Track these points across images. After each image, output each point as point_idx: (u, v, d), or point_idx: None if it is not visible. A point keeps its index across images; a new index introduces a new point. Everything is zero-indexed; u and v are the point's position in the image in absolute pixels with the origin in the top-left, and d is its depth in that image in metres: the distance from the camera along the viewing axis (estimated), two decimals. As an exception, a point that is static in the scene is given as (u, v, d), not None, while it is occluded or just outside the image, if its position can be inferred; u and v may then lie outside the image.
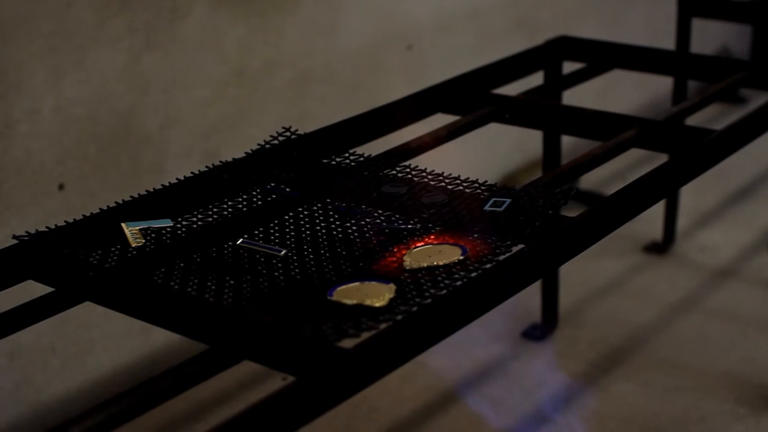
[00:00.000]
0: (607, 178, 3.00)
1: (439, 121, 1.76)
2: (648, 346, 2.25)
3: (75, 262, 1.23)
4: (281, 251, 1.28)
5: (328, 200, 1.39)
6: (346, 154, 1.51)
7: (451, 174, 1.42)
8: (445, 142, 1.69)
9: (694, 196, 2.83)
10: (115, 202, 1.36)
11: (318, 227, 1.34)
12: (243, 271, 1.23)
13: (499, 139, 2.76)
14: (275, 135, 1.56)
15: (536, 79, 2.12)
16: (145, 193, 1.39)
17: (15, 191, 1.83)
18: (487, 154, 2.85)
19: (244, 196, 1.42)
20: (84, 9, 1.86)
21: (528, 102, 1.85)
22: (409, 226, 1.30)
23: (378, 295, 1.13)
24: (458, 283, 1.16)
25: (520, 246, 1.24)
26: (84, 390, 2.01)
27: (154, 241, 1.30)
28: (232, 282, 1.20)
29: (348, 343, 1.05)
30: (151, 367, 2.07)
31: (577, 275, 2.47)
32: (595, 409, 2.03)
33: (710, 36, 3.72)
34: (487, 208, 1.32)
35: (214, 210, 1.39)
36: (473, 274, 1.17)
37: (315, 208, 1.38)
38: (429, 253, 1.23)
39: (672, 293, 2.48)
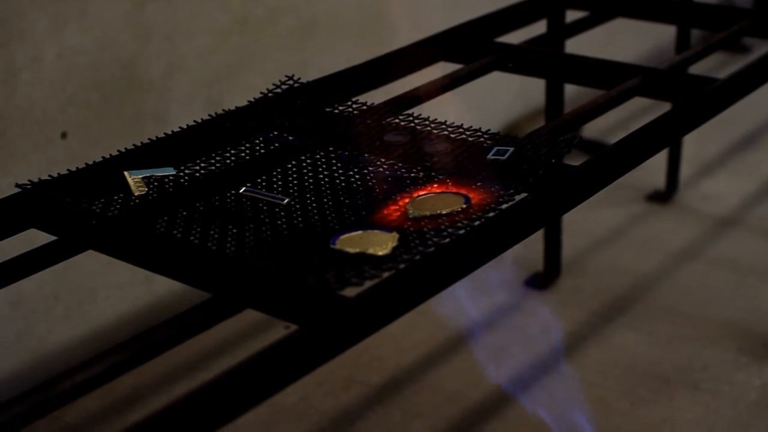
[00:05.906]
0: (610, 127, 3.00)
1: (442, 69, 1.76)
2: (651, 295, 2.26)
3: (78, 210, 1.23)
4: (284, 200, 1.28)
5: (331, 149, 1.39)
6: (349, 103, 1.50)
7: (454, 122, 1.41)
8: (448, 90, 1.68)
9: (697, 145, 2.83)
10: (118, 150, 1.36)
11: (321, 176, 1.33)
12: (246, 220, 1.23)
13: (502, 88, 2.75)
14: (278, 83, 1.55)
15: (539, 28, 2.11)
16: (148, 141, 1.39)
17: (18, 139, 1.83)
18: (490, 103, 2.84)
19: (247, 145, 1.42)
20: (85, -44, 1.86)
21: (531, 51, 1.85)
22: (412, 175, 1.30)
23: (381, 243, 1.13)
24: (461, 231, 1.15)
25: (523, 195, 1.24)
26: (86, 339, 2.02)
27: (157, 190, 1.30)
28: (234, 230, 1.20)
29: (351, 292, 1.05)
30: (153, 316, 2.07)
31: (580, 224, 2.47)
32: (598, 357, 2.04)
33: (715, -16, 3.69)
34: (490, 156, 1.31)
35: (217, 158, 1.39)
36: (476, 223, 1.17)
37: (318, 156, 1.38)
38: (432, 201, 1.23)
39: (675, 242, 2.48)
